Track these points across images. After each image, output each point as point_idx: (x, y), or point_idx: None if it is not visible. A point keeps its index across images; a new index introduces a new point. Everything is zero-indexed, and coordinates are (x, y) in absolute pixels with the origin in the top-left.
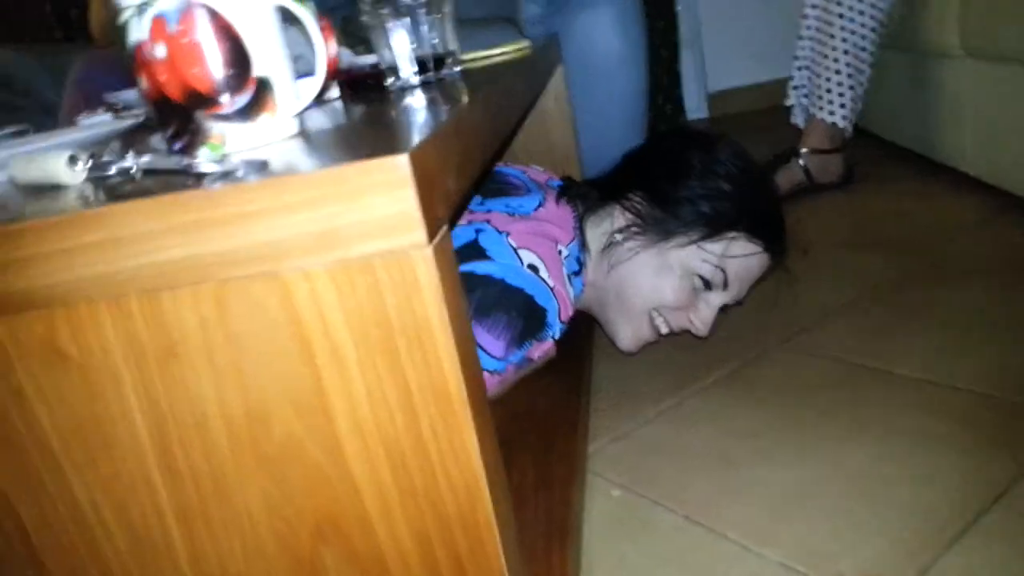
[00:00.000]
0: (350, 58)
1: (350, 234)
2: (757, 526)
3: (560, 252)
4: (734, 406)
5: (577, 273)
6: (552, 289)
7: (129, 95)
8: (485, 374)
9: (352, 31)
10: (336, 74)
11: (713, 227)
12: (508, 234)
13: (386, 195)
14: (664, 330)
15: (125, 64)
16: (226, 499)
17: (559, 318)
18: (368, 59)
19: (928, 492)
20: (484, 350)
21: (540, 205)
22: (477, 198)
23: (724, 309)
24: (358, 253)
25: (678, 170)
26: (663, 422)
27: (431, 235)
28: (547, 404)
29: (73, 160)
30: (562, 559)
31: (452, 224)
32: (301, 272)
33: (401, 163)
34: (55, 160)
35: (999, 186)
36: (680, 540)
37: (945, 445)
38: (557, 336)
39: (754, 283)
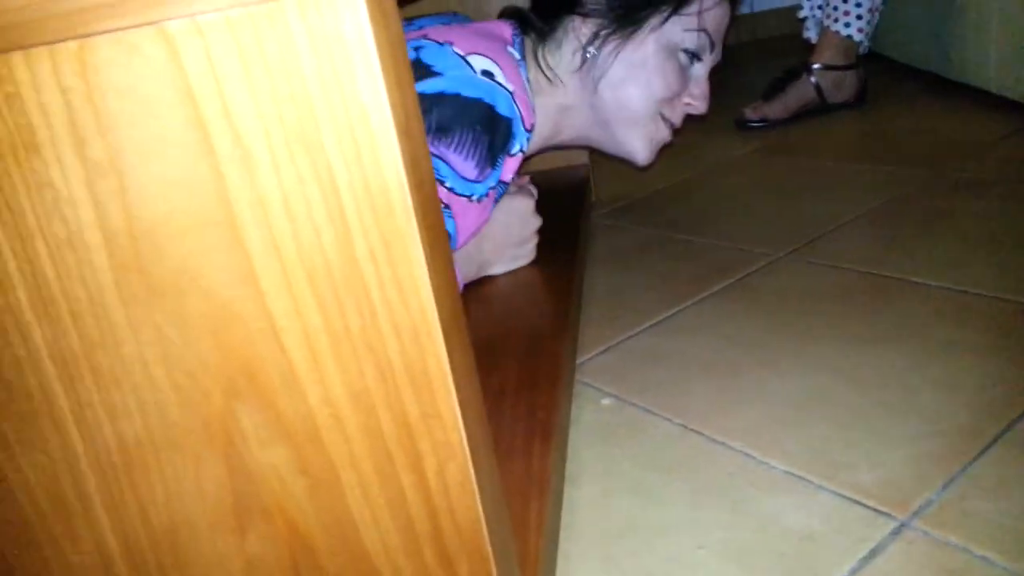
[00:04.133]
0: None
1: None
2: (762, 434)
3: (512, 54)
4: (737, 315)
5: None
6: (512, 94)
7: None
8: (463, 200)
9: None
10: None
11: None
12: (451, 44)
13: None
14: (671, 125)
15: None
16: (113, 341)
17: (524, 126)
18: None
19: (954, 400)
20: (457, 172)
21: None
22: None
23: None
24: None
25: None
26: (659, 331)
27: None
28: (534, 308)
29: None
30: (543, 458)
31: None
32: (192, 24)
33: None
34: None
35: None
36: (676, 448)
37: (970, 352)
38: (525, 149)
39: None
